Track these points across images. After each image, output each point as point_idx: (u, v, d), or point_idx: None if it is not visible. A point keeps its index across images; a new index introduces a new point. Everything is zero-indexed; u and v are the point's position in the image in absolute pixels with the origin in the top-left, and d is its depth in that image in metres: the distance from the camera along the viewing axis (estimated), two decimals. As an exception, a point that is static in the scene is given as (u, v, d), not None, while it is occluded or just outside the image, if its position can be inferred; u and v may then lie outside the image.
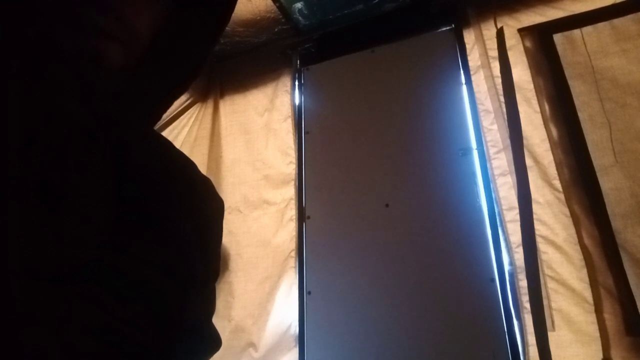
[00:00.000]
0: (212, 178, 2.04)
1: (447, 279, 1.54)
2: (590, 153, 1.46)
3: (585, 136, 1.48)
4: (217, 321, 0.47)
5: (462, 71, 1.78)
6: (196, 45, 0.50)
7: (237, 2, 0.54)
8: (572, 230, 1.42)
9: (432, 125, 1.76)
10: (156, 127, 0.53)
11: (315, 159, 1.94)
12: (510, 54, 1.61)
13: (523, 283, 1.40)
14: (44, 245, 0.32)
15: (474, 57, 1.75)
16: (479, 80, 1.70)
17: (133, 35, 0.43)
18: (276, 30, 2.10)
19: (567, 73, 1.55)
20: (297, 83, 2.11)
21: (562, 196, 1.46)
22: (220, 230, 0.53)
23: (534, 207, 1.45)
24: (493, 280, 1.49)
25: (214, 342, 0.47)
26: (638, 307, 1.29)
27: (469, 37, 1.79)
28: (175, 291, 0.40)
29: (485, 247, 1.53)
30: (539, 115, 1.56)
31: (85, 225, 0.35)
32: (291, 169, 1.96)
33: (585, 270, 1.37)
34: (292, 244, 1.84)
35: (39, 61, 0.38)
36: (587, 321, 1.33)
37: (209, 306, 0.48)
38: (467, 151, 1.67)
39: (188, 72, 0.51)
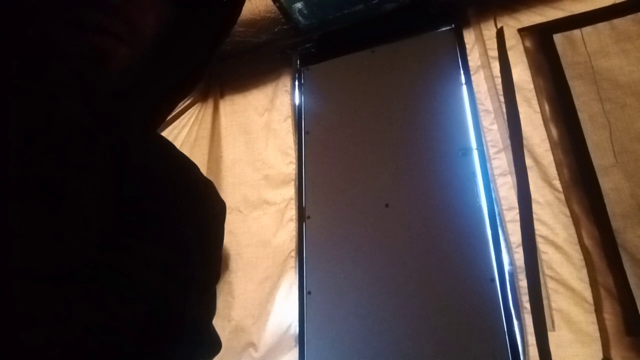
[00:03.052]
0: (212, 178, 2.05)
1: (447, 279, 1.54)
2: (590, 153, 1.46)
3: (585, 136, 1.48)
4: (217, 321, 0.47)
5: (462, 71, 1.78)
6: (196, 46, 0.50)
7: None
8: (572, 230, 1.42)
9: (432, 125, 1.76)
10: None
11: (315, 159, 1.94)
12: (510, 54, 1.61)
13: (523, 283, 1.40)
14: (44, 246, 0.32)
15: (474, 57, 1.75)
16: (479, 80, 1.70)
17: (135, 35, 0.42)
18: (276, 30, 2.10)
19: (567, 73, 1.55)
20: (297, 83, 2.11)
21: (562, 196, 1.46)
22: (221, 233, 0.53)
23: (534, 207, 1.45)
24: (493, 280, 1.49)
25: (214, 344, 0.47)
26: (638, 307, 1.29)
27: (469, 37, 1.79)
28: (175, 291, 0.40)
29: (485, 247, 1.53)
30: (539, 116, 1.56)
31: (85, 225, 0.35)
32: (291, 169, 1.96)
33: (585, 270, 1.37)
34: (292, 244, 1.84)
35: (39, 61, 0.38)
36: (587, 321, 1.33)
37: (210, 308, 0.48)
38: (467, 151, 1.67)
39: (188, 74, 0.50)
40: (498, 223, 1.54)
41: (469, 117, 1.71)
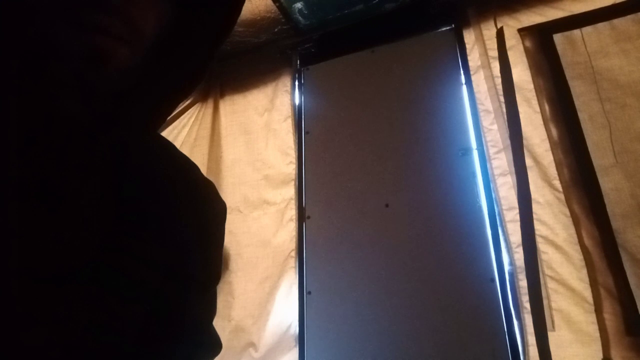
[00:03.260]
0: (212, 178, 2.04)
1: (447, 279, 1.54)
2: (590, 153, 1.46)
3: (585, 136, 1.48)
4: (217, 321, 0.47)
5: (462, 71, 1.78)
6: (196, 46, 0.50)
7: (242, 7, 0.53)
8: (572, 230, 1.42)
9: (432, 125, 1.75)
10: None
11: (315, 159, 1.94)
12: (510, 54, 1.61)
13: (523, 283, 1.40)
14: (44, 246, 0.32)
15: (474, 57, 1.75)
16: (479, 80, 1.70)
17: (135, 35, 0.42)
18: (276, 30, 2.10)
19: (567, 73, 1.55)
20: (297, 83, 2.11)
21: (562, 196, 1.46)
22: (221, 234, 0.53)
23: (534, 207, 1.45)
24: (493, 280, 1.49)
25: (214, 344, 0.46)
26: (638, 307, 1.29)
27: (469, 37, 1.79)
28: (175, 291, 0.40)
29: (485, 247, 1.53)
30: (539, 115, 1.56)
31: (85, 225, 0.35)
32: (291, 169, 1.96)
33: (585, 270, 1.37)
34: (292, 244, 1.84)
35: (39, 61, 0.38)
36: (587, 321, 1.33)
37: (210, 309, 0.48)
38: (467, 151, 1.67)
39: (189, 74, 0.50)
40: (498, 223, 1.54)
41: (469, 117, 1.71)
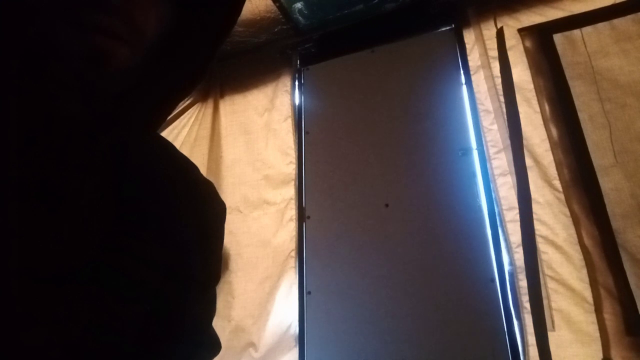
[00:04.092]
0: (212, 178, 2.04)
1: (447, 279, 1.54)
2: (590, 153, 1.46)
3: (585, 136, 1.48)
4: (217, 321, 0.47)
5: (462, 71, 1.78)
6: (196, 46, 0.50)
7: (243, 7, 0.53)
8: (572, 230, 1.42)
9: (432, 125, 1.75)
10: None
11: (315, 159, 1.94)
12: (510, 54, 1.61)
13: (523, 283, 1.40)
14: (44, 246, 0.32)
15: (474, 57, 1.75)
16: (479, 80, 1.70)
17: (136, 35, 0.42)
18: (276, 30, 2.10)
19: (567, 73, 1.55)
20: (297, 83, 2.11)
21: (562, 196, 1.46)
22: (221, 234, 0.53)
23: (534, 207, 1.45)
24: (493, 280, 1.49)
25: (214, 345, 0.47)
26: (638, 307, 1.29)
27: (469, 37, 1.79)
28: (175, 292, 0.40)
29: (485, 247, 1.53)
30: (539, 115, 1.56)
31: (85, 225, 0.35)
32: (291, 169, 1.96)
33: (585, 270, 1.37)
34: (292, 244, 1.84)
35: (39, 61, 0.38)
36: (587, 321, 1.33)
37: (210, 309, 0.48)
38: (467, 151, 1.67)
39: (189, 74, 0.50)
40: (498, 223, 1.54)
41: (469, 117, 1.71)
